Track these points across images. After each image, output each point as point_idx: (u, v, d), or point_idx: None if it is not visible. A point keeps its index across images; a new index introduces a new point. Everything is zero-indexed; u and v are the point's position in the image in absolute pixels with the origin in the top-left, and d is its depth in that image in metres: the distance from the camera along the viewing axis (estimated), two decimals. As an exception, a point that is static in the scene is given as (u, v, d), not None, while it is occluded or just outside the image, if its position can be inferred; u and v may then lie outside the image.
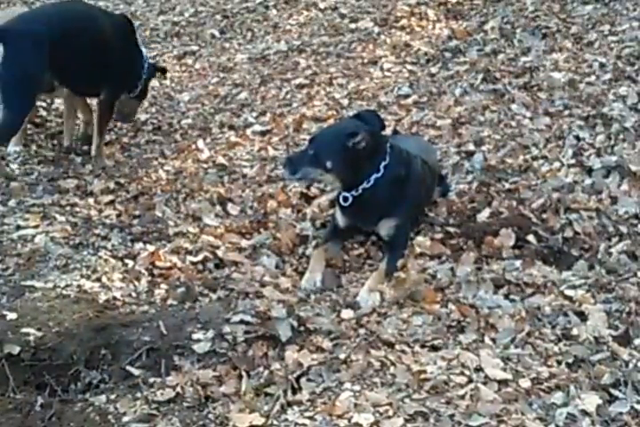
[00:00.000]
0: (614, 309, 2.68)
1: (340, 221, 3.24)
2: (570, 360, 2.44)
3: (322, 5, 6.21)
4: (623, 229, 3.19)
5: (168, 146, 4.57)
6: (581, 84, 4.30)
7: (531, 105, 4.20)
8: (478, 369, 2.37)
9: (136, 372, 2.50)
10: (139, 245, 3.31)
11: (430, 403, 2.22)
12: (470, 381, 2.31)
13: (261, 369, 2.44)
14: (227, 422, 2.23)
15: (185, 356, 2.52)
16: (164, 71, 4.70)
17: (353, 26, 5.76)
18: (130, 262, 3.15)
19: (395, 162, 3.11)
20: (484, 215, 3.31)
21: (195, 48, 6.05)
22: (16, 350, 2.56)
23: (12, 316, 2.72)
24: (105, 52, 4.02)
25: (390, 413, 2.19)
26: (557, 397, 2.27)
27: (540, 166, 3.67)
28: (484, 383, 2.30)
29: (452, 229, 3.24)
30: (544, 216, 3.26)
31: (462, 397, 2.25)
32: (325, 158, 3.07)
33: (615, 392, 2.32)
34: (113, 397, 2.39)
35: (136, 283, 3.00)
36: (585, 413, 2.22)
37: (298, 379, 2.37)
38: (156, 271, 3.08)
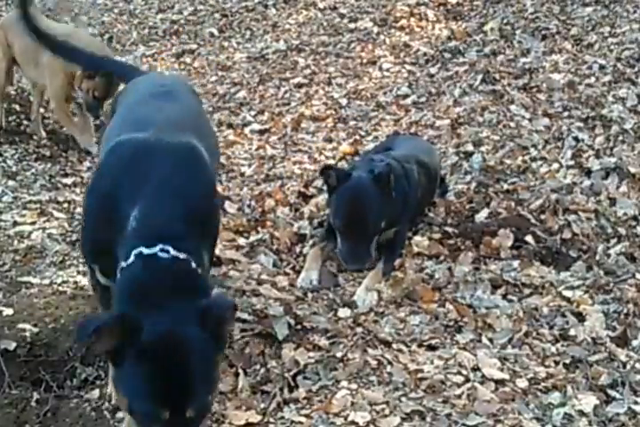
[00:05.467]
0: (612, 310, 2.68)
1: None
2: (567, 361, 2.44)
3: (321, 5, 6.21)
4: (622, 230, 3.19)
5: (166, 144, 4.55)
6: (581, 86, 4.30)
7: (530, 106, 4.20)
8: (475, 369, 2.36)
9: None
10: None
11: (427, 402, 2.22)
12: (467, 380, 2.31)
13: (258, 367, 2.43)
14: (223, 420, 2.22)
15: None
16: None
17: (352, 26, 5.76)
18: (127, 259, 3.13)
19: (400, 184, 3.11)
20: (482, 216, 3.31)
21: (193, 47, 6.04)
22: (12, 345, 2.55)
23: (8, 312, 2.71)
24: None
25: (387, 411, 2.18)
26: (554, 397, 2.27)
27: (538, 167, 3.67)
28: (481, 383, 2.30)
29: (450, 229, 3.23)
30: (542, 217, 3.25)
31: (459, 396, 2.24)
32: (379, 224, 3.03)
33: (612, 393, 2.32)
34: (108, 393, 2.38)
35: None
36: (582, 413, 2.21)
37: (294, 377, 2.36)
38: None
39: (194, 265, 1.75)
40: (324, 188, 3.69)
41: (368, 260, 3.03)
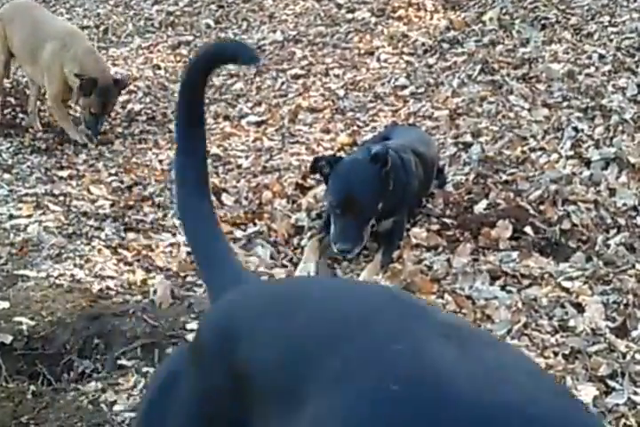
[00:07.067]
0: (612, 300, 2.66)
1: None
2: (566, 352, 2.42)
3: (318, -5, 6.17)
4: (621, 221, 3.17)
5: (162, 136, 4.54)
6: (580, 76, 4.27)
7: (529, 96, 4.17)
8: (474, 360, 2.34)
9: (129, 362, 2.48)
10: (132, 236, 3.29)
11: (426, 394, 2.20)
12: (466, 372, 2.29)
13: (256, 359, 2.41)
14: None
15: (179, 346, 2.50)
16: None
17: (350, 16, 5.72)
18: (123, 252, 3.12)
19: (397, 173, 3.09)
20: (480, 207, 3.29)
21: (189, 38, 6.00)
22: (9, 339, 2.54)
23: (4, 305, 2.70)
24: None
25: (386, 403, 2.16)
26: (554, 388, 2.25)
27: (537, 158, 3.64)
28: (481, 374, 2.28)
29: (448, 221, 3.21)
30: (541, 208, 3.23)
31: (458, 388, 2.23)
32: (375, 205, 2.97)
33: (612, 384, 2.30)
34: (105, 386, 2.37)
35: (129, 273, 2.97)
36: (582, 404, 2.20)
37: (292, 369, 2.34)
38: (149, 261, 3.06)
39: None
40: (322, 179, 3.68)
41: (358, 243, 2.95)
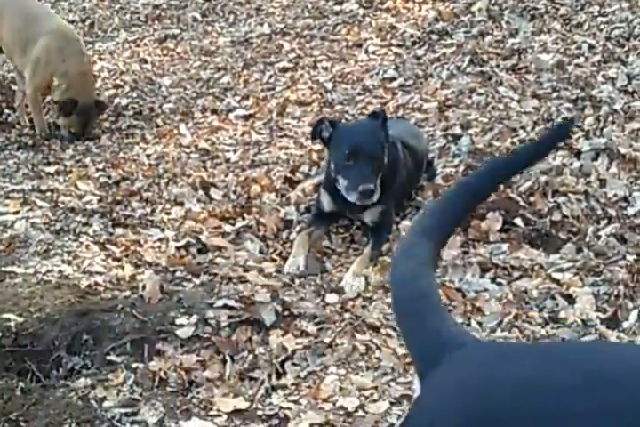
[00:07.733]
0: (602, 291, 2.66)
1: (326, 205, 3.19)
2: (557, 343, 2.42)
3: (306, -13, 6.12)
4: (612, 211, 3.16)
5: (150, 130, 4.50)
6: (570, 66, 4.25)
7: (518, 87, 4.15)
8: (465, 352, 2.34)
9: (118, 358, 2.46)
10: (120, 231, 3.26)
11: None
12: (457, 364, 2.28)
13: (245, 354, 2.40)
14: (210, 407, 2.20)
15: (168, 341, 2.48)
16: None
17: (337, 8, 5.68)
18: (111, 248, 3.10)
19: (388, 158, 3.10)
20: (470, 199, 3.27)
21: (176, 31, 5.96)
22: (-4, 336, 2.52)
23: (-9, 302, 2.67)
24: None
25: (375, 396, 2.16)
26: (545, 379, 2.25)
27: (527, 149, 3.63)
28: (472, 367, 2.28)
29: (438, 213, 3.19)
30: (531, 199, 3.22)
31: (449, 380, 2.22)
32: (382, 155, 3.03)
33: (603, 374, 2.30)
34: (95, 382, 2.35)
35: (118, 268, 2.95)
36: (573, 395, 2.19)
37: (282, 363, 2.34)
38: (137, 256, 3.04)
39: None
40: (312, 172, 3.66)
41: (377, 187, 2.96)
